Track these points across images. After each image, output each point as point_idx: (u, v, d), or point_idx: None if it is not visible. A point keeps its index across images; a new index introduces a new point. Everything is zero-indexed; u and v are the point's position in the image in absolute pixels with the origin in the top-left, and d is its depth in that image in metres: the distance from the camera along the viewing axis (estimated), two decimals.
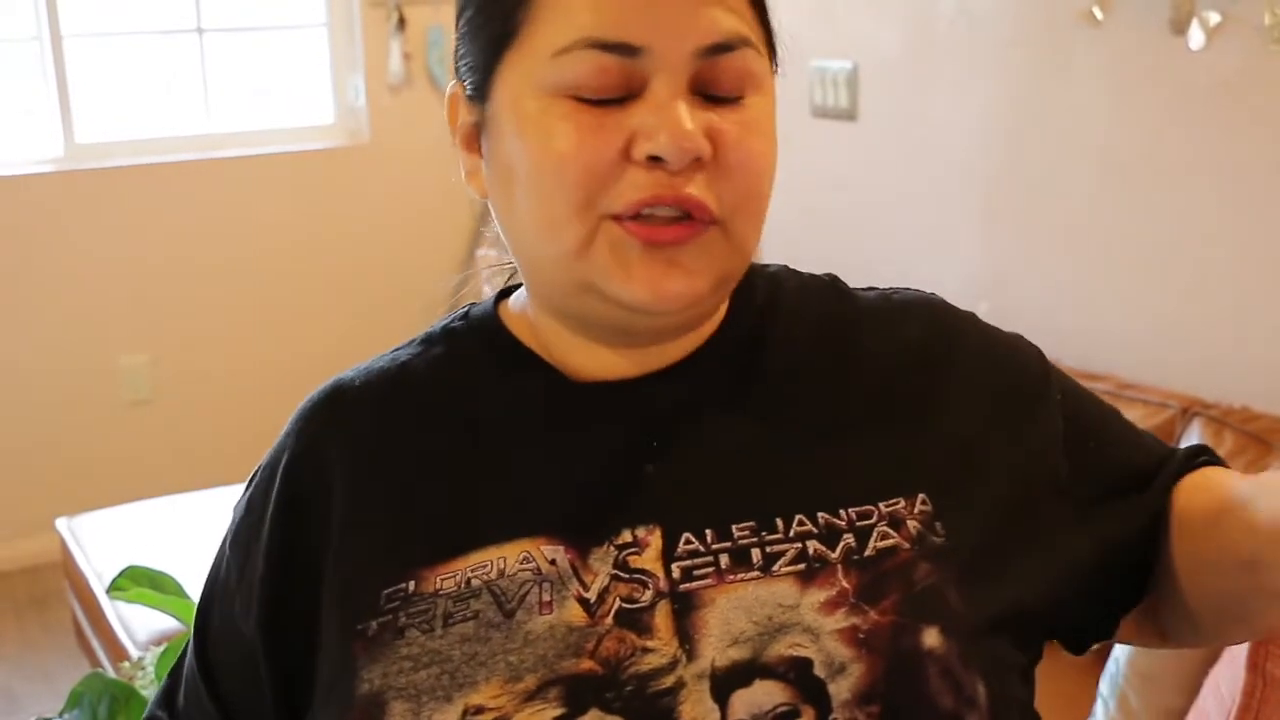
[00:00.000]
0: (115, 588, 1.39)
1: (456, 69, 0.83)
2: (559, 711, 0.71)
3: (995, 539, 0.79)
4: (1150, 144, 2.55)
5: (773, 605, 0.74)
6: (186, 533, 2.76)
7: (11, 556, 3.85)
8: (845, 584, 0.74)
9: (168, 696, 0.92)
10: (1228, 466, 0.88)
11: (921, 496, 0.79)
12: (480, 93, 0.80)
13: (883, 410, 0.83)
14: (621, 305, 0.77)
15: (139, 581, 1.38)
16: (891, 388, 0.84)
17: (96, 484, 3.68)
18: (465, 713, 0.73)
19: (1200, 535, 0.82)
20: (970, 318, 0.90)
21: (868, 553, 0.76)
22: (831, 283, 0.91)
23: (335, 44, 4.27)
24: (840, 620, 0.73)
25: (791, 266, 0.92)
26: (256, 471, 0.89)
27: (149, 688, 1.37)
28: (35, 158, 3.93)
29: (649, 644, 0.73)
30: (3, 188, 3.83)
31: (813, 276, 0.91)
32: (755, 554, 0.76)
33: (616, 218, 0.75)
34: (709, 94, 0.76)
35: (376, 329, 4.38)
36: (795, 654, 0.72)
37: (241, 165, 4.11)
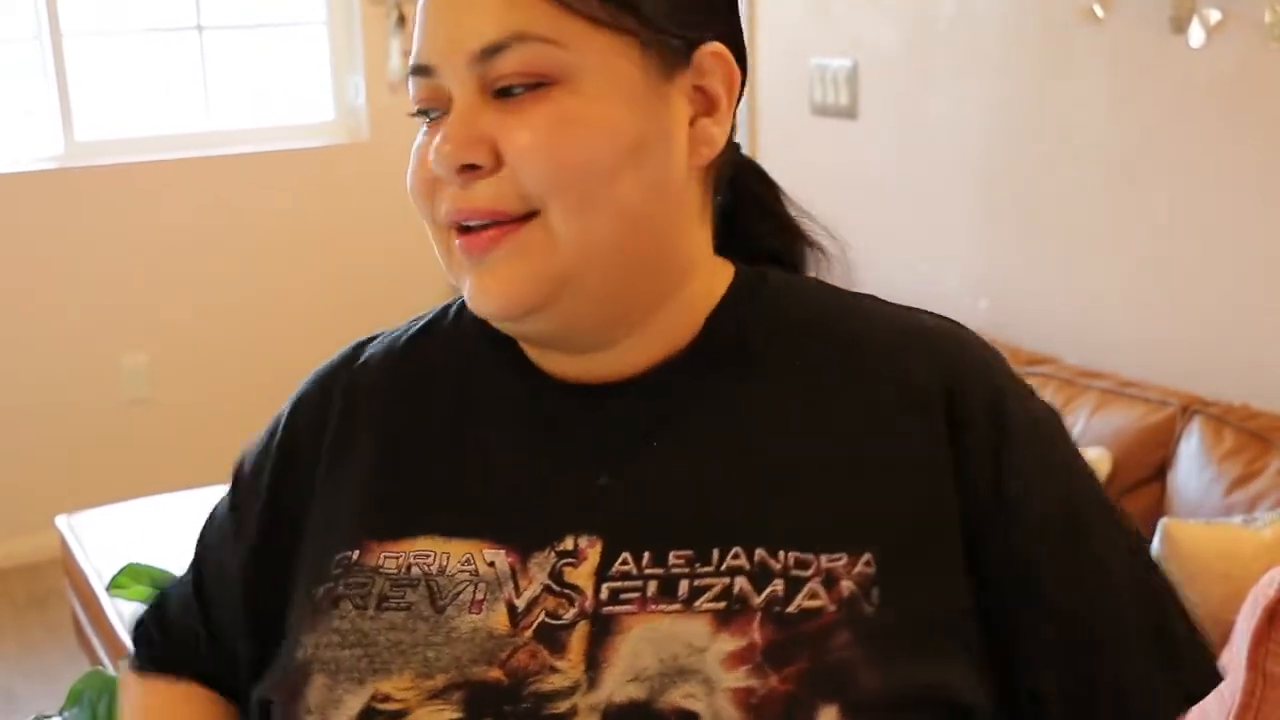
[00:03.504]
0: (115, 585, 1.39)
1: None
2: (457, 715, 0.73)
3: (933, 623, 0.75)
4: (1150, 142, 2.55)
5: (682, 644, 0.72)
6: (186, 531, 2.75)
7: (11, 554, 3.85)
8: (758, 637, 0.72)
9: (158, 609, 0.97)
10: None
11: (867, 557, 0.74)
12: None
13: (857, 455, 0.78)
14: None
15: (139, 579, 1.38)
16: (874, 431, 0.79)
17: (96, 482, 3.68)
18: (372, 698, 0.75)
19: None
20: (1000, 369, 0.82)
21: (790, 609, 0.73)
22: (851, 304, 0.85)
23: (335, 42, 4.27)
24: (739, 679, 0.71)
25: (822, 279, 0.88)
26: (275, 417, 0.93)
27: None
28: (35, 155, 3.92)
29: (558, 664, 0.74)
30: (3, 186, 3.83)
31: (834, 294, 0.86)
32: (683, 586, 0.74)
33: (452, 228, 0.78)
34: (506, 97, 0.75)
35: (376, 327, 4.35)
36: (686, 705, 0.70)
37: (241, 163, 4.10)
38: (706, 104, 0.80)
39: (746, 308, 0.83)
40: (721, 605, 0.73)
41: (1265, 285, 2.38)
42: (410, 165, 0.80)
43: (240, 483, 0.92)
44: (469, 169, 0.75)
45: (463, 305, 0.90)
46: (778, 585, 0.73)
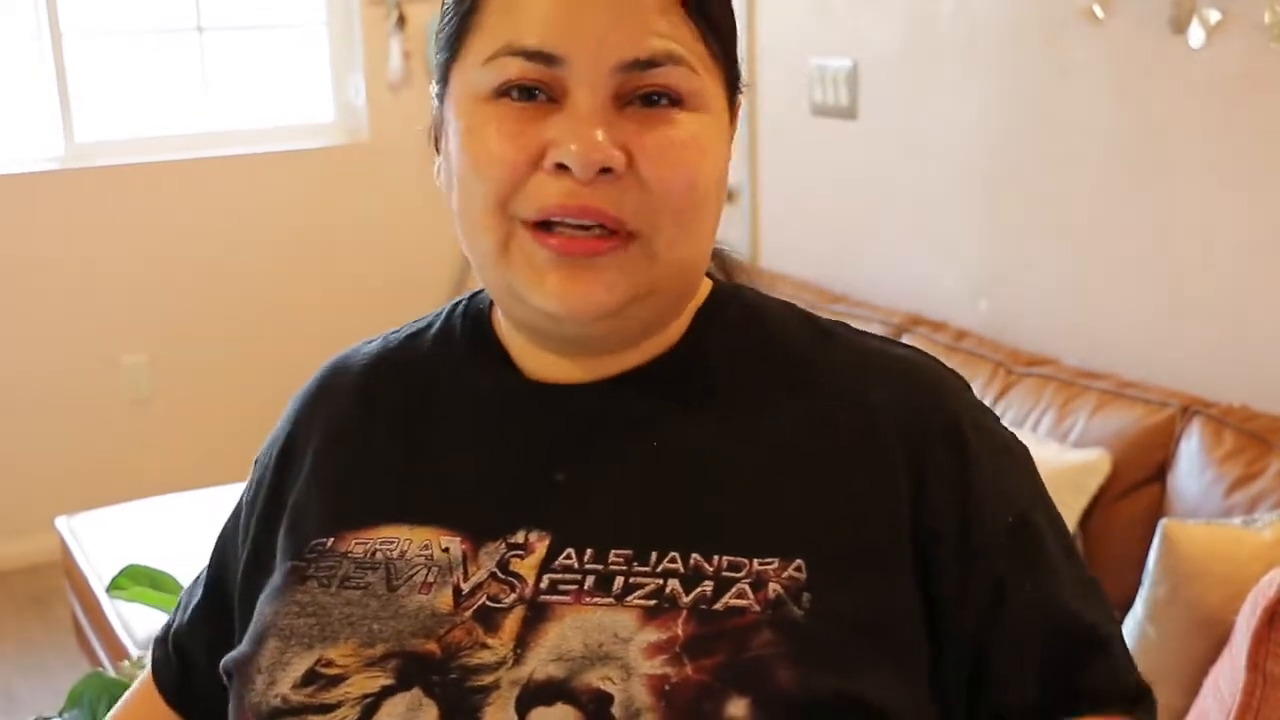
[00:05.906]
0: (115, 586, 1.39)
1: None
2: (389, 681, 0.77)
3: (863, 632, 0.76)
4: (1150, 142, 2.55)
5: (609, 634, 0.75)
6: (186, 532, 2.76)
7: (11, 555, 3.85)
8: (680, 631, 0.74)
9: (176, 615, 1.02)
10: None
11: (798, 563, 0.77)
12: (440, 94, 0.85)
13: (802, 466, 0.81)
14: (539, 312, 0.80)
15: (138, 580, 1.38)
16: (822, 446, 0.81)
17: (96, 483, 3.68)
18: (317, 662, 0.79)
19: None
20: (964, 399, 0.85)
21: (716, 606, 0.75)
22: (825, 328, 0.89)
23: (335, 42, 4.27)
24: (656, 666, 0.73)
25: (795, 303, 0.91)
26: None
27: None
28: (35, 156, 3.92)
29: (489, 641, 0.77)
30: (3, 186, 3.83)
31: (806, 319, 0.89)
32: (618, 582, 0.77)
33: (527, 224, 0.78)
34: (634, 107, 0.77)
35: (375, 328, 4.34)
36: (602, 687, 0.73)
37: (241, 163, 4.11)
38: None
39: (717, 322, 0.87)
40: (652, 603, 0.76)
41: (1265, 286, 2.38)
42: (488, 145, 0.78)
43: (257, 464, 0.96)
44: (605, 171, 0.76)
45: (461, 305, 0.93)
46: (707, 586, 0.76)
